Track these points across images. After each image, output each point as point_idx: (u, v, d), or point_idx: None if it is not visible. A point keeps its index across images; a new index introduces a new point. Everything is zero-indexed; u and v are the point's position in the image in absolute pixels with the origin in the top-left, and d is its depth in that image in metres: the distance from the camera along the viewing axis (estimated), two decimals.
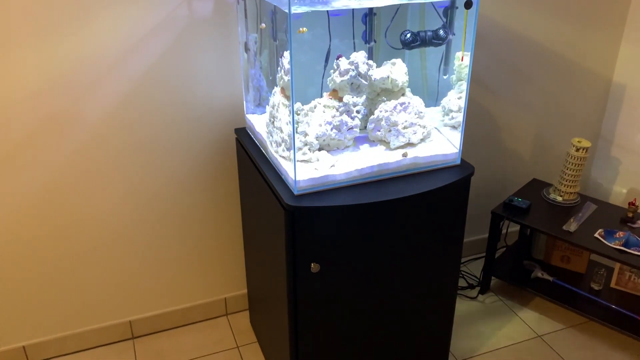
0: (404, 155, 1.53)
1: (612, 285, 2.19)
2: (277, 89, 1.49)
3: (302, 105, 1.55)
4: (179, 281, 2.10)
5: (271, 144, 1.56)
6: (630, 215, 2.11)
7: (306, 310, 1.53)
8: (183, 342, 2.09)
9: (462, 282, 2.41)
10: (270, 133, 1.56)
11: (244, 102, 1.81)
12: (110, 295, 2.02)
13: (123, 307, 2.06)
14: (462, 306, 2.28)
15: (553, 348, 2.06)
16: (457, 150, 1.58)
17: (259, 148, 1.67)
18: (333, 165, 1.48)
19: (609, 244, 1.97)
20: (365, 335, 1.64)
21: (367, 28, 1.65)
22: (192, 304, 2.16)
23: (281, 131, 1.47)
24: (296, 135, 1.49)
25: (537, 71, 2.32)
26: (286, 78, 1.38)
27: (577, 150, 2.15)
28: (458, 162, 1.59)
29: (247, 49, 1.70)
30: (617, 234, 2.01)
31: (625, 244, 1.95)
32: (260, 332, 2.02)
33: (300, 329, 1.55)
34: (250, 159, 1.67)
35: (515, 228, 2.63)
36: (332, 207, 1.40)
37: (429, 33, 1.55)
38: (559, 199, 2.25)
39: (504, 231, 2.58)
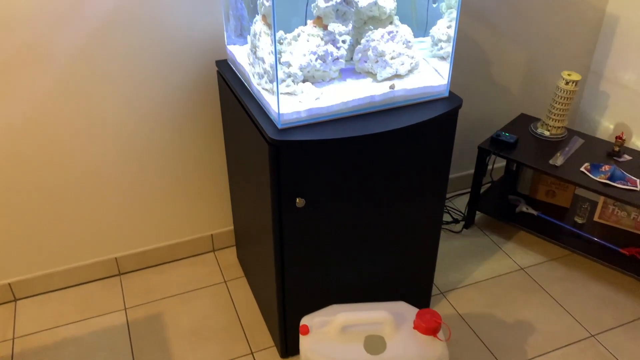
0: (392, 87, 1.48)
1: (596, 218, 2.22)
2: (258, 17, 1.42)
3: (285, 33, 1.48)
4: (164, 218, 2.08)
5: (253, 75, 1.50)
6: (616, 149, 2.11)
7: (292, 245, 1.53)
8: (170, 278, 2.10)
9: (447, 217, 2.43)
10: (252, 64, 1.50)
11: (225, 32, 1.73)
12: (95, 232, 2.01)
13: (109, 244, 2.05)
14: (446, 240, 2.30)
15: (535, 279, 2.10)
16: (446, 82, 1.53)
17: (241, 81, 1.61)
18: (318, 98, 1.43)
19: (594, 178, 1.97)
20: (351, 267, 1.66)
21: None
22: (178, 240, 2.16)
23: (263, 62, 1.41)
24: (279, 66, 1.43)
25: (529, 1, 2.24)
26: (267, 4, 1.31)
27: (567, 83, 2.11)
28: (446, 94, 1.55)
29: None
30: (603, 167, 2.01)
31: (611, 178, 1.96)
32: (247, 267, 2.03)
33: (287, 263, 1.55)
34: (232, 92, 1.62)
35: (501, 164, 2.62)
36: (317, 141, 1.36)
37: None
38: (547, 133, 2.23)
39: (490, 167, 2.58)
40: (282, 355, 1.78)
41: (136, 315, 1.94)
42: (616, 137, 2.11)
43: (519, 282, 2.09)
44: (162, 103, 1.85)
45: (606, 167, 2.01)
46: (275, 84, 1.35)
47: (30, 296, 2.01)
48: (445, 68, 1.57)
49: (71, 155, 1.83)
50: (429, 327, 1.33)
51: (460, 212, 2.46)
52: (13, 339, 1.85)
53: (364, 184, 1.50)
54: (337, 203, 1.50)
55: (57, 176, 1.84)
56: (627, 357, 1.79)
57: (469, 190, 2.62)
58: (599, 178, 1.97)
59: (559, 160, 2.06)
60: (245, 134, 1.57)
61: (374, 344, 1.35)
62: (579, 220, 2.21)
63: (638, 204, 1.86)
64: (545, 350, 1.81)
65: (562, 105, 2.15)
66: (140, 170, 1.95)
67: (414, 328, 1.36)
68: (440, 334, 1.36)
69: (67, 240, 1.98)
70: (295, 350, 1.77)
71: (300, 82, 1.45)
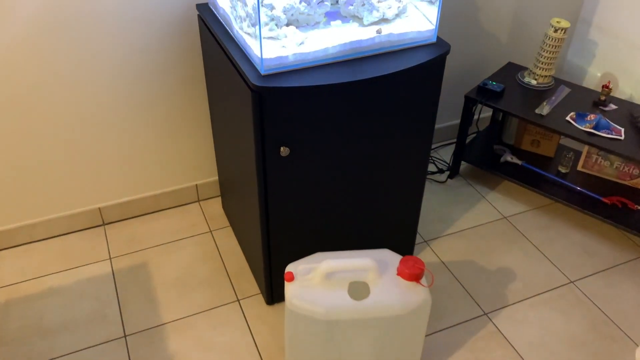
0: (378, 31, 1.44)
1: (579, 168, 2.23)
2: None
3: None
4: (148, 168, 2.06)
5: (235, 19, 1.45)
6: (602, 98, 2.10)
7: (276, 194, 1.52)
8: (155, 228, 2.09)
9: (432, 167, 2.43)
10: (234, 7, 1.45)
11: None
12: (78, 182, 1.98)
13: (92, 194, 2.03)
14: (431, 190, 2.31)
15: (517, 228, 2.13)
16: (434, 27, 1.50)
17: (223, 25, 1.55)
18: (302, 43, 1.39)
19: (579, 127, 1.97)
20: (336, 217, 1.66)
21: None
22: (162, 190, 2.14)
23: (245, 4, 1.36)
24: (262, 9, 1.38)
25: None
26: None
27: (556, 31, 2.08)
28: (434, 40, 1.52)
29: None
30: (589, 116, 2.01)
31: (596, 127, 1.96)
32: (232, 217, 2.03)
33: (271, 212, 1.55)
34: (214, 38, 1.56)
35: (487, 114, 2.61)
36: (301, 87, 1.33)
37: None
38: (534, 82, 2.21)
39: (476, 116, 2.56)
40: (267, 302, 1.80)
41: (121, 265, 1.94)
42: (603, 86, 2.10)
43: (501, 230, 2.12)
44: (142, 49, 1.79)
45: (592, 117, 2.00)
46: (257, 27, 1.30)
47: (13, 246, 2.00)
48: (433, 13, 1.53)
49: (53, 105, 1.77)
50: (412, 273, 1.35)
51: (445, 162, 2.47)
52: None
53: (349, 132, 1.48)
54: (322, 152, 1.49)
55: (38, 126, 1.80)
56: (603, 302, 1.84)
57: (455, 140, 2.61)
58: (584, 127, 1.97)
59: (545, 109, 2.05)
60: (228, 81, 1.53)
61: (358, 290, 1.36)
62: (563, 170, 2.22)
63: (621, 153, 1.87)
64: (525, 296, 1.86)
65: (550, 53, 2.12)
66: (123, 119, 1.90)
67: (398, 274, 1.37)
68: (423, 280, 1.38)
69: (49, 190, 1.95)
70: (281, 297, 1.79)
71: (283, 26, 1.41)
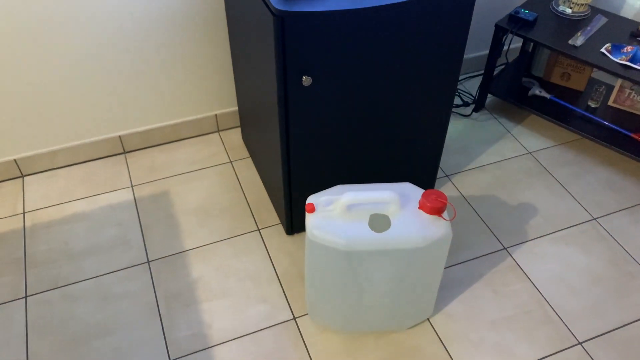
0: None
1: (610, 103, 2.15)
2: None
3: None
4: (168, 96, 2.03)
5: None
6: None
7: (298, 125, 1.49)
8: (175, 157, 2.10)
9: (456, 100, 2.36)
10: None
11: None
12: (99, 109, 1.96)
13: (112, 122, 2.02)
14: (454, 123, 2.26)
15: (541, 163, 2.09)
16: None
17: None
18: None
19: (614, 59, 1.88)
20: (358, 149, 1.63)
21: None
22: (182, 119, 2.12)
23: None
24: None
25: None
26: None
27: None
28: None
29: None
30: (625, 48, 1.91)
31: (632, 60, 1.86)
32: (252, 148, 2.02)
33: (292, 143, 1.53)
34: None
35: (517, 44, 2.50)
36: (326, 12, 1.27)
37: None
38: (569, 11, 2.09)
39: (505, 47, 2.46)
40: (287, 233, 1.82)
41: (143, 193, 1.96)
42: None
43: (525, 165, 2.08)
44: None
45: (628, 48, 1.90)
46: None
47: (36, 173, 2.02)
48: None
49: (74, 31, 1.73)
50: (434, 207, 1.33)
51: (471, 95, 2.40)
52: (24, 213, 1.89)
53: (375, 60, 1.43)
54: (345, 81, 1.44)
55: (59, 53, 1.76)
56: (625, 238, 1.83)
57: (481, 72, 2.53)
58: (620, 60, 1.87)
59: (579, 40, 1.95)
60: (248, 7, 1.46)
61: (379, 222, 1.36)
62: (593, 104, 2.15)
63: None
64: (546, 232, 1.84)
65: None
66: (143, 48, 1.86)
67: (419, 208, 1.36)
68: (445, 214, 1.37)
69: (70, 117, 1.94)
70: (300, 228, 1.81)
71: None
